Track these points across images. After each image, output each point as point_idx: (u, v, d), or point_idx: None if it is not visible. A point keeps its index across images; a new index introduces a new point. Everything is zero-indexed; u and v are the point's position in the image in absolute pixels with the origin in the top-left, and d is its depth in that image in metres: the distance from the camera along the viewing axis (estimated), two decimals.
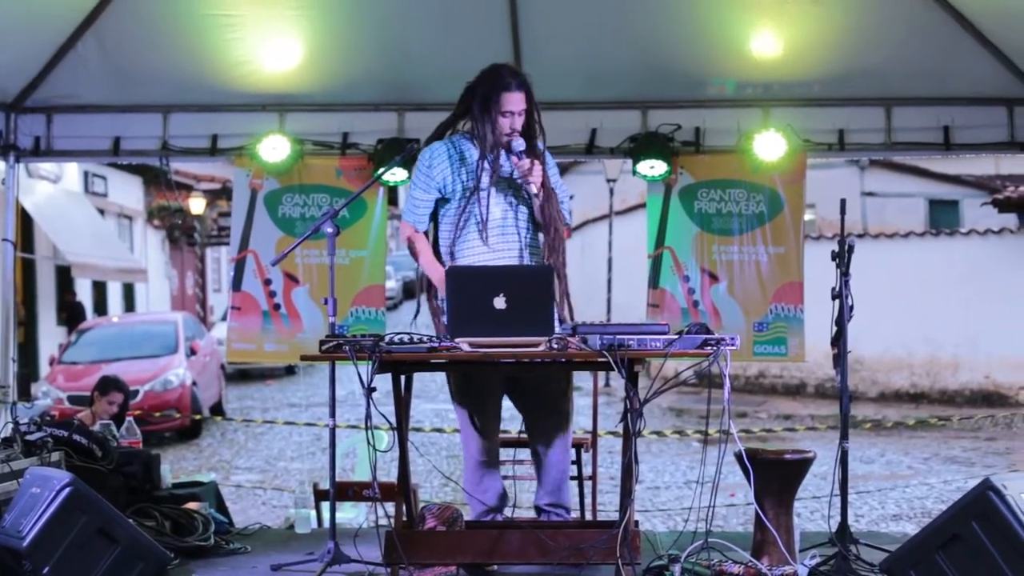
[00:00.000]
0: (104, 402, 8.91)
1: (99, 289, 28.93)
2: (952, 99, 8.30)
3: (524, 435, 6.62)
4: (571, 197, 6.84)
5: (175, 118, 8.63)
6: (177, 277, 34.74)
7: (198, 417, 18.76)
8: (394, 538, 5.59)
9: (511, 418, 6.71)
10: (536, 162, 6.23)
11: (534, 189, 6.23)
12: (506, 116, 6.24)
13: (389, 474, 6.82)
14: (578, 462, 7.50)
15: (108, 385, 9.09)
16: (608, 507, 9.54)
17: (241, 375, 27.74)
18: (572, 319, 6.31)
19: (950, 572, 5.26)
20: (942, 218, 29.15)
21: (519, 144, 6.24)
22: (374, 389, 5.41)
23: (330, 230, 6.24)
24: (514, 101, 6.23)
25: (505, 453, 7.14)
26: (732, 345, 5.33)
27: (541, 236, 6.44)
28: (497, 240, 6.33)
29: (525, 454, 6.91)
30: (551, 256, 6.34)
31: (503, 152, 6.31)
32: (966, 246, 21.56)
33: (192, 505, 7.41)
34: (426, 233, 6.53)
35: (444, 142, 6.48)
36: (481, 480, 6.48)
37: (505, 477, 6.91)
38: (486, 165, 6.31)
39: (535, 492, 6.66)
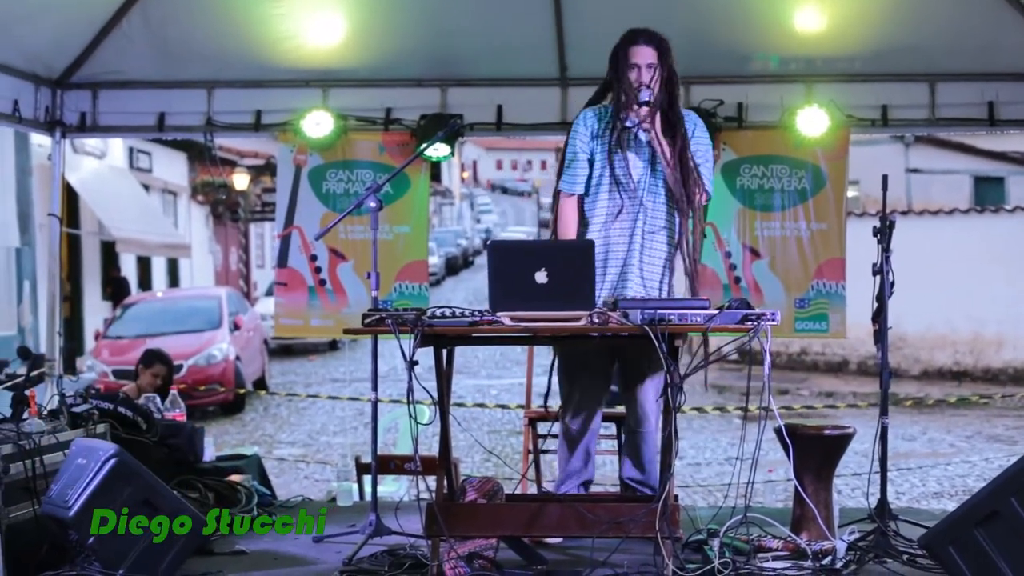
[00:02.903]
0: (148, 375, 8.95)
1: (143, 264, 29.13)
2: (997, 75, 8.23)
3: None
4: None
5: (219, 94, 8.68)
6: (221, 252, 34.90)
7: (241, 391, 18.89)
8: (435, 510, 5.62)
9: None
10: (651, 110, 6.25)
11: (643, 136, 6.29)
12: (632, 70, 6.26)
13: (430, 448, 6.84)
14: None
15: (152, 358, 9.13)
16: None
17: (284, 350, 27.86)
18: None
19: (988, 548, 5.25)
20: (987, 195, 28.87)
21: (644, 95, 6.26)
22: (416, 363, 5.43)
23: (373, 204, 6.28)
24: (640, 54, 6.26)
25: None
26: (773, 320, 5.31)
27: None
28: (628, 201, 6.37)
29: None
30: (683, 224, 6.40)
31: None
32: (1011, 223, 21.37)
33: (235, 477, 7.48)
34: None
35: (592, 108, 6.51)
36: (574, 457, 6.52)
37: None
38: (618, 124, 6.33)
39: (620, 465, 6.65)
